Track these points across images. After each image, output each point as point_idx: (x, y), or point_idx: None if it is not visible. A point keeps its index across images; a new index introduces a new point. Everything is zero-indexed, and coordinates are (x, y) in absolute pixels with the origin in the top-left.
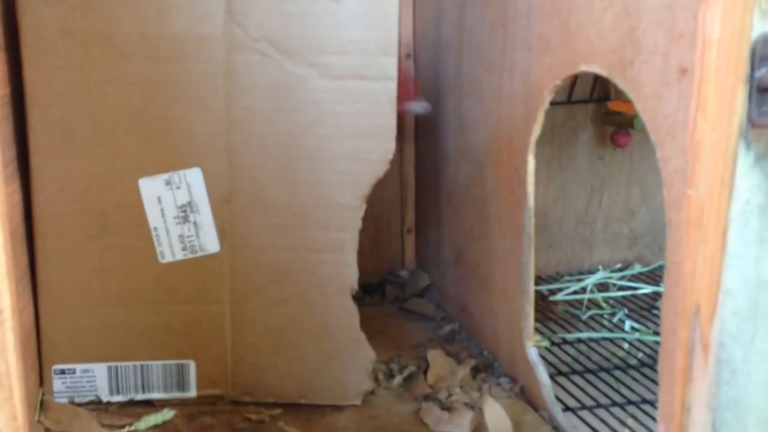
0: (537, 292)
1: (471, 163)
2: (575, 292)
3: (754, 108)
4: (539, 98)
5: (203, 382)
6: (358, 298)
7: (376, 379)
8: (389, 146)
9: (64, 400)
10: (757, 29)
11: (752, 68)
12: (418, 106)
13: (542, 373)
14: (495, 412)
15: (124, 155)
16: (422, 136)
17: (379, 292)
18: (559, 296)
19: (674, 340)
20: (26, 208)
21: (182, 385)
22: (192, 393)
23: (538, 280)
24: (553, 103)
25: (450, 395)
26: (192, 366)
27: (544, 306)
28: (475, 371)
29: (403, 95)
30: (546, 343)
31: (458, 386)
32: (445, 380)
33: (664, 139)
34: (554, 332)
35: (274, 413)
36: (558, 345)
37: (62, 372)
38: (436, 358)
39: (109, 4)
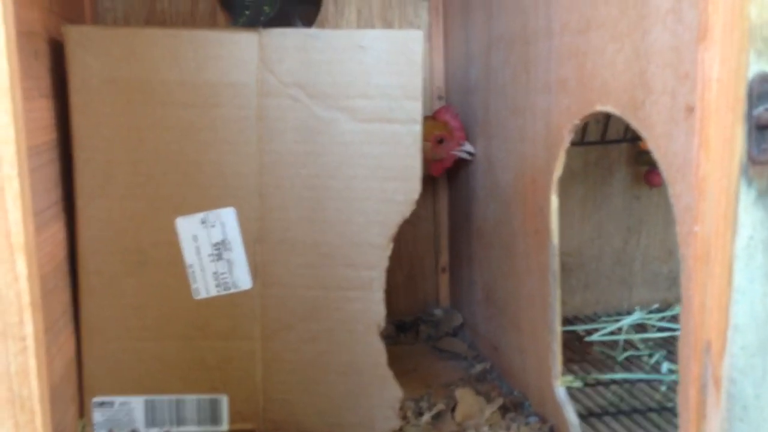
0: (572, 332)
1: (498, 202)
2: (612, 333)
3: (753, 145)
4: (559, 138)
5: (235, 416)
6: (391, 337)
7: (405, 417)
8: (415, 187)
9: None
10: (754, 68)
11: (750, 106)
12: (466, 151)
13: (570, 413)
14: None
15: (162, 196)
16: (454, 177)
17: (412, 331)
18: (595, 337)
19: (689, 377)
20: (70, 247)
21: (215, 419)
22: (224, 427)
23: (575, 320)
24: (586, 143)
25: None
26: (225, 401)
27: (579, 346)
28: (504, 410)
29: (456, 141)
30: (579, 384)
31: (486, 425)
32: (473, 418)
33: (675, 177)
34: (588, 373)
35: None
36: (591, 386)
37: (102, 404)
38: (465, 397)
39: (150, 54)
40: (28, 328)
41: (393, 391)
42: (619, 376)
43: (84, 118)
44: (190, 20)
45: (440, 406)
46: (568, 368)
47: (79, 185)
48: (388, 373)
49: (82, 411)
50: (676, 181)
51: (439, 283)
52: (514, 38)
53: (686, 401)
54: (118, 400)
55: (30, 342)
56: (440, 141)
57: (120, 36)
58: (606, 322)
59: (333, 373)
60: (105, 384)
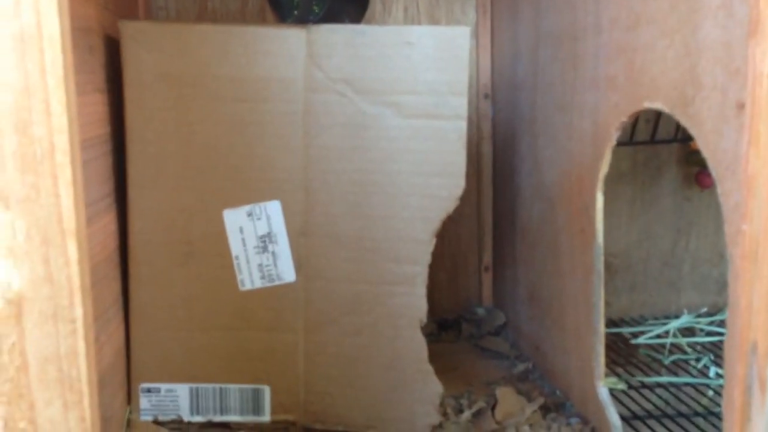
0: (618, 334)
1: (543, 201)
2: (659, 336)
3: None
4: (607, 136)
5: (277, 407)
6: (433, 334)
7: (445, 414)
8: (459, 183)
9: (149, 418)
10: None
11: None
12: None
13: (613, 414)
14: None
15: (210, 188)
16: (499, 175)
17: (455, 329)
18: (641, 339)
19: (734, 378)
20: (122, 238)
21: (257, 410)
22: (266, 417)
23: (621, 322)
24: (635, 143)
25: None
26: (267, 391)
27: (625, 349)
28: (545, 410)
29: None
30: (623, 386)
31: (526, 424)
32: (513, 417)
33: (724, 174)
34: (633, 375)
35: None
36: (636, 389)
37: (148, 391)
38: (505, 395)
39: (202, 49)
40: (78, 311)
41: (433, 387)
42: (665, 379)
43: (137, 112)
44: (240, 18)
45: (480, 404)
46: (612, 370)
47: (131, 177)
48: (428, 369)
49: (130, 398)
50: (725, 179)
51: (482, 281)
52: (563, 35)
53: (731, 403)
54: (164, 387)
55: (79, 325)
56: None
57: (173, 32)
58: (653, 325)
59: (375, 367)
60: (152, 371)
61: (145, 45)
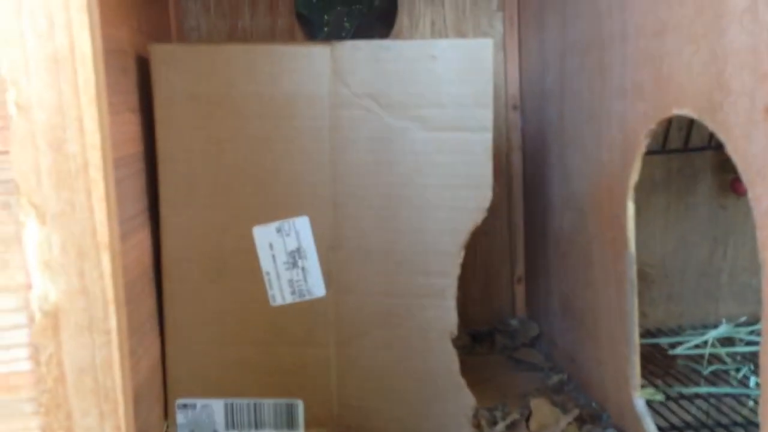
0: (656, 345)
1: (574, 210)
2: (697, 346)
3: None
4: (636, 144)
5: (311, 421)
6: (466, 347)
7: (479, 426)
8: (486, 194)
9: None
10: None
11: None
12: None
13: (650, 425)
14: None
15: (240, 205)
16: (529, 185)
17: (488, 341)
18: (679, 350)
19: None
20: (156, 255)
21: (291, 424)
22: (300, 431)
23: (658, 332)
24: (668, 151)
25: None
26: (300, 406)
27: (662, 360)
28: (581, 422)
29: None
30: (660, 397)
31: None
32: (548, 428)
33: (755, 179)
34: (671, 386)
35: None
36: (674, 400)
37: (184, 406)
38: (540, 407)
39: (229, 69)
40: (112, 323)
41: (466, 399)
42: (704, 389)
43: (167, 131)
44: (270, 36)
45: (515, 416)
46: (649, 381)
47: (162, 195)
48: (461, 382)
49: (167, 412)
50: (755, 184)
51: (515, 293)
52: (589, 43)
53: (766, 413)
54: (199, 402)
55: (113, 336)
56: None
57: (200, 53)
58: (691, 335)
59: (407, 380)
60: (188, 387)
61: (174, 66)
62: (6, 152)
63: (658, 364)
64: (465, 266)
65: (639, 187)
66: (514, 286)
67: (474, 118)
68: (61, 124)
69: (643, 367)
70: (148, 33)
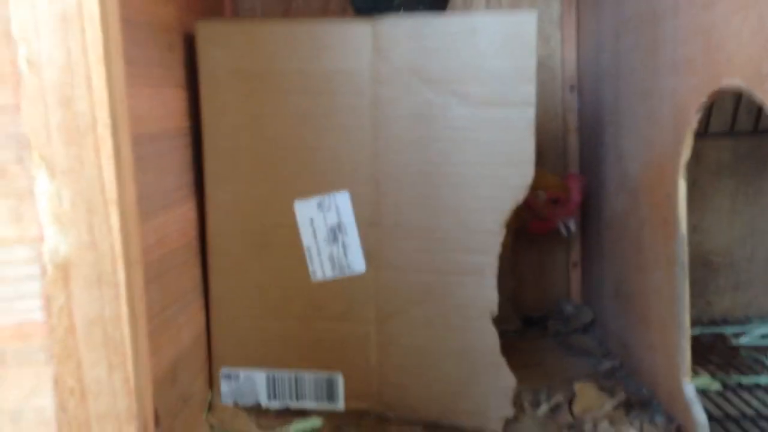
0: (720, 334)
1: (627, 192)
2: (763, 336)
3: None
4: (686, 119)
5: (351, 396)
6: (518, 331)
7: (522, 407)
8: (528, 172)
9: (230, 403)
10: None
11: None
12: (568, 227)
13: (699, 412)
14: None
15: (282, 180)
16: (586, 168)
17: (540, 326)
18: (743, 340)
19: None
20: (201, 228)
21: (331, 397)
22: (340, 405)
23: (723, 322)
24: (736, 133)
25: (595, 427)
26: (340, 379)
27: (725, 349)
28: (629, 407)
29: (568, 211)
30: (717, 386)
31: (606, 420)
32: (591, 412)
33: None
34: (730, 376)
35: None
36: (733, 389)
37: (228, 376)
38: (584, 390)
39: (272, 45)
40: (120, 277)
41: (506, 379)
42: (766, 379)
43: (212, 107)
44: (323, 16)
45: (558, 398)
46: (709, 371)
47: (207, 170)
48: (501, 361)
49: (211, 382)
50: None
51: (571, 278)
52: (642, 19)
53: None
54: (242, 373)
55: (122, 290)
56: (555, 201)
57: (243, 29)
58: (760, 325)
59: (447, 358)
60: (231, 357)
61: (218, 43)
62: (17, 108)
63: (720, 354)
64: (519, 250)
65: (704, 171)
66: (569, 271)
67: (516, 93)
68: (69, 81)
69: (704, 356)
70: (199, 12)
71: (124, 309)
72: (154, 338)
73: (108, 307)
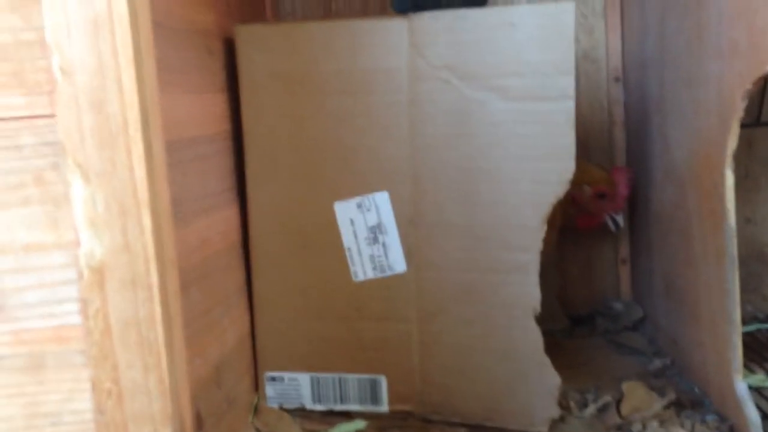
0: None
1: (674, 184)
2: None
3: None
4: (733, 107)
5: (394, 397)
6: (566, 330)
7: (569, 408)
8: (569, 166)
9: (275, 406)
10: None
11: None
12: (616, 221)
13: (751, 410)
14: None
15: (322, 181)
16: (632, 161)
17: (589, 324)
18: None
19: None
20: (245, 231)
21: (375, 399)
22: (384, 407)
23: None
24: None
25: (644, 428)
26: (383, 381)
27: None
28: (680, 407)
29: (616, 205)
30: None
31: (655, 420)
32: (640, 412)
33: None
34: None
35: None
36: None
37: (273, 379)
38: (633, 390)
39: (309, 47)
40: (153, 278)
41: (551, 379)
42: None
43: (252, 109)
44: (362, 17)
45: (606, 399)
46: (763, 368)
47: (249, 172)
48: (545, 360)
49: (257, 384)
50: None
51: (620, 275)
52: (688, 2)
53: None
54: (287, 375)
55: (155, 291)
56: (601, 195)
57: (281, 32)
58: None
59: (490, 358)
60: (276, 360)
61: (257, 46)
62: (53, 116)
63: None
64: (564, 246)
65: (757, 161)
66: (618, 268)
67: (555, 86)
68: (101, 85)
69: (760, 353)
70: (239, 17)
71: (158, 310)
72: (198, 340)
73: (142, 309)
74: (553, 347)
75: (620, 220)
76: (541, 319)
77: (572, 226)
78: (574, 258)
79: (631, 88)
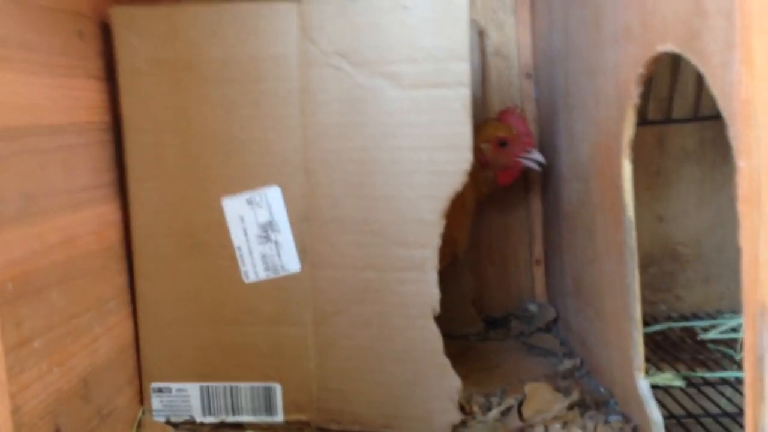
0: (689, 329)
1: (579, 180)
2: (733, 330)
3: None
4: (627, 94)
5: (290, 406)
6: (480, 333)
7: (471, 412)
8: (466, 156)
9: (162, 419)
10: None
11: None
12: (534, 159)
13: (653, 410)
14: None
15: (209, 176)
16: (545, 157)
17: (503, 327)
18: (712, 334)
19: (747, 350)
20: (126, 230)
21: (270, 409)
22: (279, 418)
23: (693, 317)
24: (700, 118)
25: (546, 430)
26: (278, 390)
27: (692, 344)
28: (585, 408)
29: (522, 146)
30: (680, 383)
31: (558, 422)
32: (542, 414)
33: (733, 114)
34: (695, 372)
35: None
36: (696, 386)
37: (159, 390)
38: (536, 391)
39: (193, 32)
40: None
41: (451, 382)
42: (730, 374)
43: (132, 99)
44: None
45: (510, 402)
46: (673, 367)
47: (130, 168)
48: (445, 362)
49: (142, 397)
50: (734, 119)
51: (534, 276)
52: None
53: (747, 380)
54: (174, 386)
55: None
56: (502, 144)
57: (162, 14)
58: (730, 319)
59: (388, 360)
60: (163, 370)
61: (136, 30)
62: None
63: (686, 349)
64: (479, 248)
65: (668, 158)
66: (533, 269)
67: (450, 72)
68: None
69: (670, 351)
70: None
71: None
72: (59, 348)
73: None
74: (467, 350)
75: (537, 156)
76: (457, 324)
77: (496, 190)
78: (489, 259)
79: (542, 83)
